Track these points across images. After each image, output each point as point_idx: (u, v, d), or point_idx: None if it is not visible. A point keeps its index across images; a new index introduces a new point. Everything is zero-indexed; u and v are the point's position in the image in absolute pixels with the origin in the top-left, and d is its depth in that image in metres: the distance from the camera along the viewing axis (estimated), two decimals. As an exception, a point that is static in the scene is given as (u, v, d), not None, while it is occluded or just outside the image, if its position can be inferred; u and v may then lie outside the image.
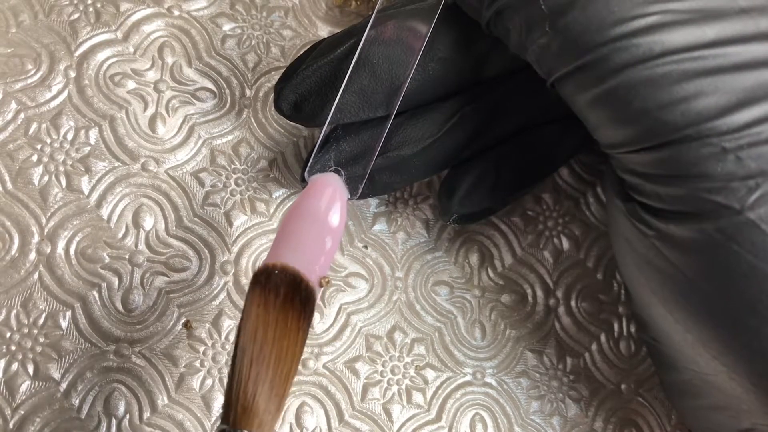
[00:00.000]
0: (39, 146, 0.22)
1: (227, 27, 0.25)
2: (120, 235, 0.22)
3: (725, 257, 0.16)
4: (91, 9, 0.24)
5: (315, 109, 0.20)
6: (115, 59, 0.24)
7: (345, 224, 0.20)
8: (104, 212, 0.22)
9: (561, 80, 0.18)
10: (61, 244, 0.21)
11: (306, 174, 0.20)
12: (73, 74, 0.23)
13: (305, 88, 0.20)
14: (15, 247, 0.21)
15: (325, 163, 0.21)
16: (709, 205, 0.16)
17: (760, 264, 0.16)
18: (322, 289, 0.19)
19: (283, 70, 0.21)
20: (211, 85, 0.25)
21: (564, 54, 0.17)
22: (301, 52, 0.21)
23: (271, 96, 0.25)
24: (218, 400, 0.22)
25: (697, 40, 0.16)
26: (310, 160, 0.20)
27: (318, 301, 0.19)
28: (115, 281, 0.22)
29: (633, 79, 0.16)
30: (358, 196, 0.21)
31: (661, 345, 0.21)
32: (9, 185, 0.22)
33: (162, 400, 0.21)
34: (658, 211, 0.18)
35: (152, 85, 0.24)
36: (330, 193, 0.20)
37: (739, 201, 0.16)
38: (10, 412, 0.20)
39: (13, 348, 0.20)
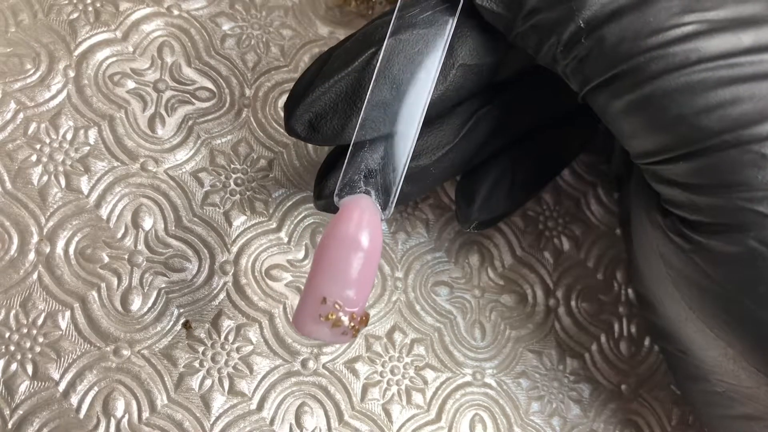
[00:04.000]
0: (38, 146, 0.22)
1: (227, 26, 0.25)
2: (119, 235, 0.22)
3: None
4: (90, 8, 0.24)
5: (335, 129, 0.19)
6: (114, 59, 0.24)
7: (381, 245, 0.19)
8: (103, 212, 0.22)
9: (594, 90, 0.18)
10: (60, 244, 0.21)
11: (336, 198, 0.19)
12: (72, 74, 0.23)
13: (321, 105, 0.19)
14: (14, 247, 0.21)
15: (354, 184, 0.19)
16: (751, 215, 0.16)
17: None
18: (365, 327, 0.19)
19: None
20: (210, 85, 0.24)
21: (600, 64, 0.17)
22: (307, 67, 0.20)
23: (271, 95, 0.25)
24: (217, 400, 0.22)
25: (734, 47, 0.16)
26: (339, 182, 0.19)
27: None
28: (115, 281, 0.22)
29: (669, 86, 0.16)
30: (390, 213, 0.20)
31: (691, 358, 0.21)
32: (8, 185, 0.22)
33: (161, 400, 0.21)
34: (697, 224, 0.17)
35: (151, 85, 0.24)
36: (364, 216, 0.18)
37: None
38: (9, 412, 0.20)
39: (12, 348, 0.20)
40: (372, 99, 0.19)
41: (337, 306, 0.18)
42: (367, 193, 0.19)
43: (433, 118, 0.21)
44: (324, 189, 0.20)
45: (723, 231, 0.17)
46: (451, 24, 0.19)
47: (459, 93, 0.20)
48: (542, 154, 0.23)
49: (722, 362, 0.19)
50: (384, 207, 0.19)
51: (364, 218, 0.18)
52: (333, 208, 0.20)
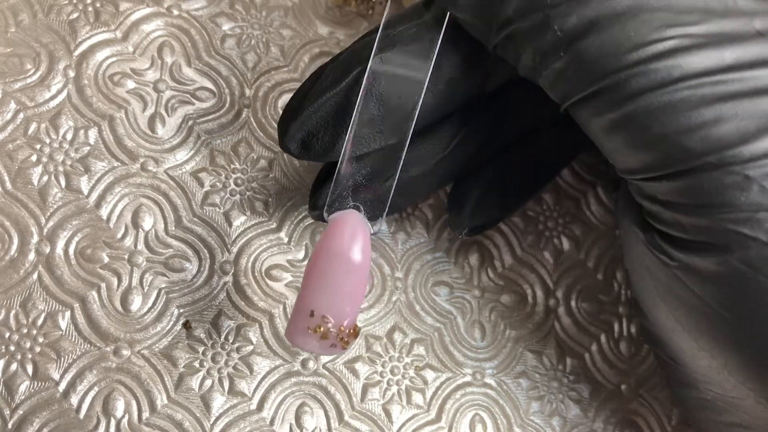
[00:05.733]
0: (38, 146, 0.22)
1: (227, 26, 0.25)
2: (119, 235, 0.22)
3: (752, 289, 0.16)
4: (90, 8, 0.24)
5: (325, 146, 0.19)
6: (114, 59, 0.24)
7: (370, 260, 0.19)
8: (103, 212, 0.22)
9: (575, 105, 0.18)
10: (60, 245, 0.21)
11: (325, 213, 0.20)
12: (72, 74, 0.23)
13: (312, 124, 0.19)
14: (14, 247, 0.21)
15: (342, 199, 0.20)
16: (734, 236, 0.16)
17: None
18: (355, 340, 0.19)
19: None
20: (210, 85, 0.24)
21: (579, 79, 0.17)
22: (299, 87, 0.21)
23: (271, 95, 0.25)
24: (217, 401, 0.22)
25: (716, 64, 0.16)
26: (328, 198, 0.20)
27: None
28: (115, 281, 0.22)
29: (651, 105, 0.16)
30: (380, 228, 0.20)
31: (680, 365, 0.21)
32: (8, 185, 0.22)
33: (161, 400, 0.21)
34: (680, 241, 0.17)
35: (152, 85, 0.24)
36: (353, 231, 0.19)
37: (765, 232, 0.16)
38: (9, 412, 0.20)
39: (12, 348, 0.20)
40: (360, 117, 0.19)
41: (324, 319, 0.18)
42: (356, 207, 0.20)
43: (423, 130, 0.21)
44: (317, 201, 0.21)
45: (706, 249, 0.17)
46: (437, 39, 0.19)
47: (448, 106, 0.20)
48: (537, 157, 0.23)
49: (708, 373, 0.19)
50: (373, 220, 0.20)
51: (351, 234, 0.19)
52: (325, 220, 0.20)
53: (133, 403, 0.21)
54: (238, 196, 0.24)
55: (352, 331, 0.19)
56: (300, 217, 0.24)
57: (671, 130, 0.16)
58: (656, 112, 0.16)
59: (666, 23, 0.16)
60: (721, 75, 0.16)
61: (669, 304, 0.19)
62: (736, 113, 0.16)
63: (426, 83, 0.19)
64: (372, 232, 0.20)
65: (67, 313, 0.21)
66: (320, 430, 0.22)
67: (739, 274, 0.16)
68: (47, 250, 0.21)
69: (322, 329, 0.18)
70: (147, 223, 0.22)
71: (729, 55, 0.16)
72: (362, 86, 0.19)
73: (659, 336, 0.21)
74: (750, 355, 0.17)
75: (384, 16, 0.20)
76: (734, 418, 0.20)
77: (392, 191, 0.20)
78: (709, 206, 0.16)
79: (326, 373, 0.23)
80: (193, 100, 0.24)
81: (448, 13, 0.19)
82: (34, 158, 0.22)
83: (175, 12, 0.25)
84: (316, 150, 0.20)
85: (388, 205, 0.20)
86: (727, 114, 0.16)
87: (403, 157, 0.20)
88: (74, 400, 0.20)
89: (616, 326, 0.26)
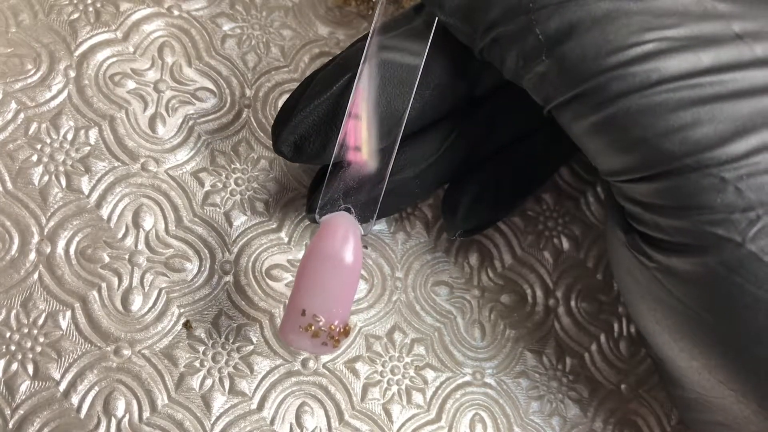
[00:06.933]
0: (39, 146, 0.22)
1: (227, 27, 0.25)
2: (120, 235, 0.22)
3: (728, 289, 0.16)
4: (90, 9, 0.24)
5: (317, 149, 0.20)
6: (114, 59, 0.24)
7: (361, 261, 0.20)
8: (104, 212, 0.22)
9: (558, 108, 0.18)
10: (61, 244, 0.21)
11: (317, 216, 0.20)
12: (72, 74, 0.23)
13: (304, 128, 0.20)
14: (15, 247, 0.21)
15: (334, 202, 0.20)
16: (711, 237, 0.16)
17: (764, 295, 0.16)
18: (346, 339, 0.19)
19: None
20: (211, 85, 0.24)
21: (561, 83, 0.17)
22: (291, 93, 0.21)
23: (272, 95, 0.25)
24: (218, 400, 0.22)
25: (693, 67, 0.16)
26: (319, 201, 0.20)
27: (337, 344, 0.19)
28: (115, 281, 0.22)
29: (631, 108, 0.16)
30: (370, 229, 0.21)
31: (666, 365, 0.21)
32: (9, 185, 0.22)
33: (162, 399, 0.21)
34: (659, 242, 0.18)
35: (152, 85, 0.24)
36: (343, 233, 0.19)
37: (740, 233, 0.16)
38: (9, 412, 0.20)
39: (13, 348, 0.20)
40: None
41: (315, 318, 0.19)
42: (347, 209, 0.20)
43: (415, 132, 0.21)
44: (313, 204, 0.21)
45: (684, 251, 0.17)
46: (426, 45, 0.20)
47: (437, 110, 0.21)
48: (530, 159, 0.23)
49: (690, 373, 0.19)
50: (365, 222, 0.20)
51: (341, 235, 0.19)
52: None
53: (134, 402, 0.21)
54: (238, 196, 0.24)
55: (343, 330, 0.19)
56: (300, 217, 0.24)
57: (650, 133, 0.16)
58: (636, 114, 0.16)
59: (644, 27, 0.16)
60: (699, 78, 0.16)
61: (649, 306, 0.19)
62: (713, 116, 0.16)
63: (415, 88, 0.20)
64: (363, 233, 0.20)
65: (68, 313, 0.21)
66: (320, 429, 0.22)
67: (715, 274, 0.16)
68: (48, 249, 0.21)
69: (313, 328, 0.19)
70: (147, 223, 0.22)
71: (706, 58, 0.16)
72: (352, 92, 0.19)
73: (646, 337, 0.21)
74: (729, 355, 0.17)
75: (374, 22, 0.20)
76: (717, 416, 0.20)
77: (382, 194, 0.20)
78: (686, 208, 0.16)
79: (326, 372, 0.23)
80: (194, 101, 0.24)
81: (437, 19, 0.20)
82: (34, 158, 0.22)
83: (176, 12, 0.25)
84: (308, 153, 0.20)
85: (378, 207, 0.20)
86: (705, 117, 0.16)
87: (392, 161, 0.20)
88: (75, 399, 0.20)
89: (615, 326, 0.26)
